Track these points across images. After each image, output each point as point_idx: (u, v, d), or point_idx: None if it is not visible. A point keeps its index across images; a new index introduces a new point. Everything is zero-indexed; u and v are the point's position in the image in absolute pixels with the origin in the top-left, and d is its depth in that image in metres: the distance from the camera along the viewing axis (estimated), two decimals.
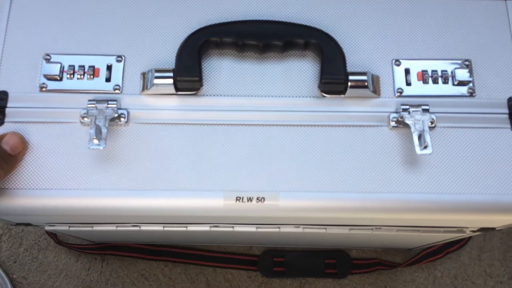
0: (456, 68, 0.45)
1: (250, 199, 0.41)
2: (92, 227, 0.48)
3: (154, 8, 0.46)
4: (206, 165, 0.42)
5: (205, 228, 0.49)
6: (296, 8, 0.46)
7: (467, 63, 0.45)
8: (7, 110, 0.43)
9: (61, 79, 0.44)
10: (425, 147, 0.41)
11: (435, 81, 0.44)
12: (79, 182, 0.41)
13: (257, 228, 0.49)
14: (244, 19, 0.46)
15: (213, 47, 0.44)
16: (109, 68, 0.44)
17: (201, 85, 0.43)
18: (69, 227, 0.49)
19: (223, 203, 0.41)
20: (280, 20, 0.45)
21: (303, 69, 0.45)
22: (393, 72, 0.45)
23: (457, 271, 0.76)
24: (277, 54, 0.45)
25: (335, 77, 0.43)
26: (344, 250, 0.76)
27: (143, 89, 0.44)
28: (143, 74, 0.44)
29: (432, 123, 0.43)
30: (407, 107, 0.43)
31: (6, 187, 0.41)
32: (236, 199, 0.41)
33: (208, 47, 0.44)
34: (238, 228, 0.49)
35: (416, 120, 0.42)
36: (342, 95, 0.44)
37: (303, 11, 0.46)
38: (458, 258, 0.77)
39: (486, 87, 0.45)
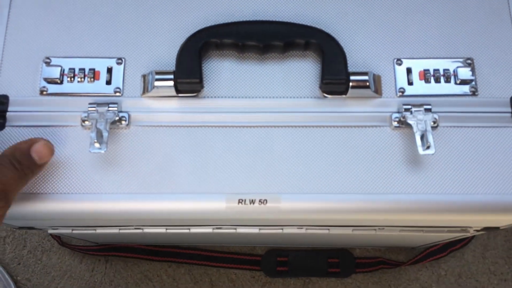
0: (458, 67, 0.44)
1: (252, 202, 0.41)
2: (95, 230, 0.48)
3: (154, 10, 0.46)
4: (207, 168, 0.42)
5: (208, 230, 0.49)
6: (296, 8, 0.46)
7: (469, 61, 0.45)
8: (8, 114, 0.43)
9: (61, 82, 0.44)
10: (428, 147, 0.40)
11: (437, 80, 0.44)
12: (80, 186, 0.41)
13: (259, 229, 0.49)
14: (244, 19, 0.45)
15: (213, 48, 0.44)
16: (109, 70, 0.44)
17: (202, 87, 0.43)
18: (72, 230, 0.49)
19: (225, 205, 0.41)
20: (280, 20, 0.45)
21: (304, 70, 0.45)
22: (394, 72, 0.45)
23: (461, 269, 0.76)
24: (277, 55, 0.45)
25: (336, 77, 0.43)
26: (347, 249, 0.76)
27: (143, 92, 0.44)
28: (144, 76, 0.44)
29: (434, 122, 0.43)
30: (409, 107, 0.43)
31: None
32: (239, 202, 0.41)
33: (208, 49, 0.44)
34: (240, 230, 0.49)
35: (419, 120, 0.42)
36: (344, 96, 0.44)
37: (304, 10, 0.46)
38: (462, 256, 0.77)
39: (489, 86, 0.44)
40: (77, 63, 0.44)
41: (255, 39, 0.43)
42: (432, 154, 0.41)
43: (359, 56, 0.45)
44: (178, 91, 0.43)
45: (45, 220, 0.44)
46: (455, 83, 0.44)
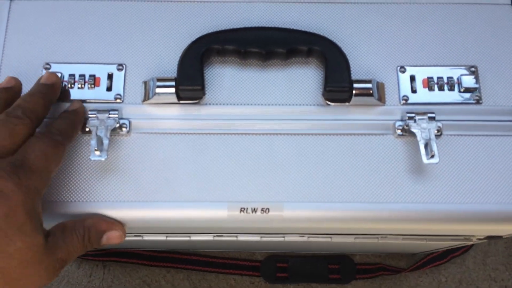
0: (462, 75, 0.44)
1: (254, 210, 0.41)
2: None
3: (155, 16, 0.45)
4: (209, 176, 0.41)
5: (209, 237, 0.49)
6: (298, 14, 0.46)
7: (473, 69, 0.44)
8: None
9: None
10: (432, 156, 0.40)
11: (441, 88, 0.44)
12: (80, 194, 0.41)
13: (261, 237, 0.49)
14: (246, 25, 0.45)
15: (215, 54, 0.44)
16: (110, 77, 0.43)
17: (204, 94, 0.43)
18: None
19: (227, 214, 0.41)
20: (282, 26, 0.44)
21: (306, 77, 0.44)
22: (398, 79, 0.44)
23: (461, 276, 0.76)
24: (280, 62, 0.44)
25: (339, 85, 0.42)
26: (347, 255, 0.76)
27: (144, 98, 0.43)
28: (145, 83, 0.43)
29: (438, 131, 0.42)
30: (413, 115, 0.42)
31: None
32: (240, 210, 0.40)
33: (210, 55, 0.44)
34: (242, 238, 0.48)
35: (422, 129, 0.41)
36: (347, 103, 0.43)
37: (306, 17, 0.46)
38: (463, 263, 0.76)
39: (493, 94, 0.44)
40: (77, 69, 0.43)
41: (257, 46, 0.43)
42: (436, 163, 0.40)
43: (362, 63, 0.45)
44: (179, 98, 0.43)
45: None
46: (459, 91, 0.44)
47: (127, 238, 0.48)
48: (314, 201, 0.41)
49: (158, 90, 0.42)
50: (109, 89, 0.43)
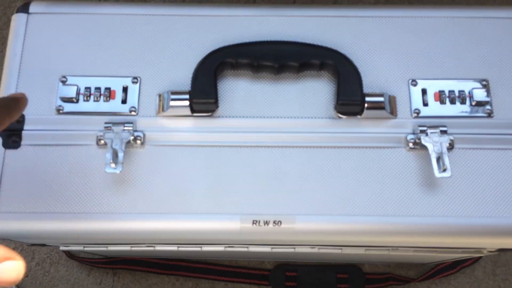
0: (473, 88, 0.44)
1: (266, 223, 0.41)
2: (107, 247, 0.48)
3: (170, 30, 0.46)
4: (222, 188, 0.42)
5: (220, 248, 0.49)
6: (311, 29, 0.46)
7: (484, 83, 0.44)
8: (23, 133, 0.43)
9: (77, 101, 0.44)
10: (444, 170, 0.40)
11: (452, 102, 0.44)
12: (95, 206, 0.41)
13: (272, 248, 0.49)
14: (259, 39, 0.45)
15: (228, 68, 0.44)
16: (125, 89, 0.44)
17: (217, 106, 0.43)
18: (84, 247, 0.49)
19: (239, 226, 0.41)
20: (295, 40, 0.45)
21: (318, 90, 0.45)
22: (409, 93, 0.44)
23: (471, 286, 0.75)
24: (292, 75, 0.45)
25: (351, 98, 0.43)
26: (356, 265, 0.76)
27: (159, 111, 0.44)
28: (159, 95, 0.44)
29: (450, 144, 0.43)
30: (425, 128, 0.43)
31: (22, 210, 0.41)
32: (253, 223, 0.41)
33: (224, 68, 0.44)
34: (253, 249, 0.49)
35: (434, 142, 0.42)
36: (359, 116, 0.44)
37: (318, 31, 0.46)
38: (472, 273, 0.76)
39: (504, 108, 0.44)
40: (93, 82, 0.44)
41: (270, 59, 0.43)
42: (449, 177, 0.41)
43: (373, 77, 0.45)
44: (193, 110, 0.43)
45: (59, 238, 0.44)
46: (471, 105, 0.44)
47: (138, 248, 0.48)
48: (326, 214, 0.41)
49: (172, 103, 0.43)
50: (124, 101, 0.44)
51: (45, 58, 0.45)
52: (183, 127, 0.43)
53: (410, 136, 0.43)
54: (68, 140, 0.43)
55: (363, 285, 0.74)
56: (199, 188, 0.42)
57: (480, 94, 0.44)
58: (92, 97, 0.44)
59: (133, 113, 0.44)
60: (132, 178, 0.42)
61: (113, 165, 0.40)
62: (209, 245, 0.48)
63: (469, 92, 0.44)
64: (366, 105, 0.43)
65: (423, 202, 0.42)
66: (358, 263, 0.76)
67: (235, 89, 0.45)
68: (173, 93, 0.43)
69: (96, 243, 0.48)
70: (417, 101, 0.44)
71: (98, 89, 0.44)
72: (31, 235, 0.42)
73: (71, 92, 0.44)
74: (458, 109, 0.44)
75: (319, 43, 0.45)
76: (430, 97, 0.44)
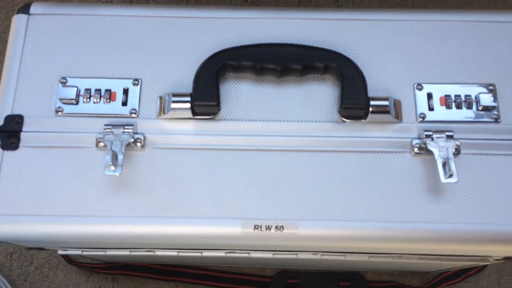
0: (480, 93, 0.43)
1: (268, 228, 0.40)
2: (105, 251, 0.48)
3: (171, 31, 0.45)
4: (223, 192, 0.41)
5: (221, 254, 0.48)
6: (314, 31, 0.46)
7: (491, 87, 0.44)
8: (22, 134, 0.42)
9: (77, 103, 0.43)
10: (450, 175, 0.39)
11: (458, 106, 0.43)
12: (94, 209, 0.40)
13: (273, 254, 0.48)
14: (262, 42, 0.45)
15: (230, 70, 0.44)
16: (125, 91, 0.44)
17: (219, 109, 0.43)
18: (82, 251, 0.48)
19: (241, 231, 0.40)
20: (298, 43, 0.44)
21: (322, 93, 0.44)
22: (415, 97, 0.44)
23: None
24: (295, 78, 0.44)
25: (356, 102, 0.42)
26: (359, 272, 0.75)
27: (159, 113, 0.43)
28: (160, 98, 0.43)
29: (456, 149, 0.42)
30: (431, 133, 0.42)
31: (19, 213, 0.40)
32: (254, 228, 0.40)
33: (226, 71, 0.44)
34: (254, 255, 0.48)
35: (440, 147, 0.41)
36: (363, 120, 0.43)
37: (322, 34, 0.45)
38: (477, 282, 0.75)
39: None
40: (93, 84, 0.44)
41: (273, 62, 0.42)
42: (455, 183, 0.40)
43: (378, 80, 0.44)
44: (194, 113, 0.42)
45: (57, 242, 0.43)
46: (477, 110, 0.43)
47: (137, 253, 0.47)
48: (330, 220, 0.40)
49: (173, 105, 0.42)
50: (124, 103, 0.43)
51: (45, 59, 0.44)
52: (184, 129, 0.43)
53: (415, 141, 0.42)
54: (67, 142, 0.42)
55: None
56: (200, 192, 0.41)
57: (486, 99, 0.43)
58: (92, 98, 0.43)
59: (133, 115, 0.43)
60: (132, 181, 0.41)
61: (112, 167, 0.39)
62: (210, 250, 0.47)
63: (475, 97, 0.43)
64: (370, 109, 0.42)
65: (428, 208, 0.41)
66: (361, 270, 0.75)
67: (237, 92, 0.44)
68: (174, 95, 0.42)
69: (95, 247, 0.47)
70: (422, 106, 0.43)
71: (98, 90, 0.43)
72: (29, 238, 0.41)
73: (71, 93, 0.43)
74: (465, 114, 0.43)
75: (323, 46, 0.44)
76: (436, 102, 0.43)
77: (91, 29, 0.45)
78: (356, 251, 0.45)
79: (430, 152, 0.42)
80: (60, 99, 0.43)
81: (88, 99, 0.43)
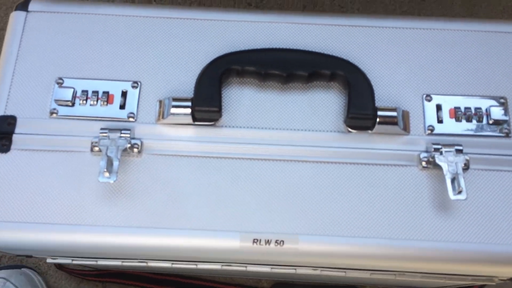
0: (491, 106, 0.42)
1: (268, 242, 0.38)
2: (96, 261, 0.46)
3: (173, 33, 0.44)
4: (222, 203, 0.39)
5: (216, 266, 0.46)
6: (321, 37, 0.44)
7: (502, 100, 0.42)
8: (14, 136, 0.40)
9: (73, 105, 0.41)
10: (459, 192, 0.38)
11: (468, 119, 0.42)
12: (86, 217, 0.38)
13: (271, 268, 0.46)
14: (267, 46, 0.44)
15: (234, 75, 0.42)
16: (124, 94, 0.42)
17: (220, 116, 0.41)
18: (72, 260, 0.46)
19: (239, 244, 0.38)
20: (304, 49, 0.43)
21: (328, 102, 0.42)
22: (423, 108, 0.42)
23: None
24: (301, 85, 0.43)
25: (363, 112, 0.40)
26: (357, 287, 0.73)
27: (158, 118, 0.41)
28: (160, 102, 0.42)
29: (465, 164, 0.40)
30: (439, 146, 0.40)
31: (7, 219, 0.38)
32: (253, 241, 0.38)
33: (229, 76, 0.42)
34: (251, 268, 0.46)
35: (449, 162, 0.39)
36: (369, 131, 0.41)
37: (329, 40, 0.44)
38: None
39: None
40: (90, 85, 0.42)
41: (278, 68, 0.41)
42: (464, 200, 0.38)
43: (385, 90, 0.43)
44: (195, 119, 0.41)
45: (46, 251, 0.41)
46: (488, 123, 0.42)
47: (129, 263, 0.46)
48: (332, 235, 0.39)
49: (173, 110, 0.40)
50: (122, 107, 0.42)
51: (42, 58, 0.43)
52: (183, 136, 0.41)
53: (423, 154, 0.41)
54: (61, 145, 0.40)
55: None
56: (197, 202, 0.39)
57: (497, 112, 0.42)
58: (88, 101, 0.41)
59: (131, 119, 0.41)
60: (127, 189, 0.39)
61: (107, 174, 0.37)
62: (205, 263, 0.46)
63: (486, 110, 0.42)
64: (378, 119, 0.40)
65: (434, 226, 0.39)
66: (360, 285, 0.73)
67: (240, 98, 0.42)
68: (175, 99, 0.41)
69: (86, 256, 0.45)
70: (431, 117, 0.42)
71: (95, 92, 0.42)
72: (17, 246, 0.39)
73: (67, 95, 0.41)
74: (474, 127, 0.42)
75: (330, 53, 0.42)
76: (445, 114, 0.42)
77: (91, 28, 0.44)
78: (358, 268, 0.44)
79: (438, 166, 0.40)
80: (56, 100, 0.41)
81: (84, 101, 0.41)
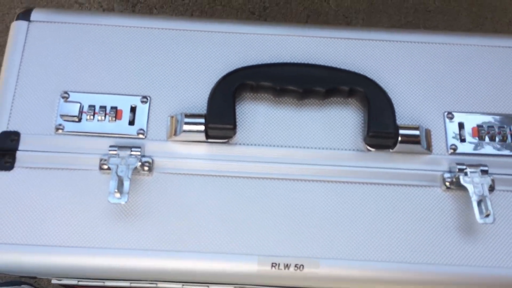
0: None
1: (287, 266, 0.36)
2: (103, 282, 0.43)
3: (184, 46, 0.42)
4: (238, 224, 0.37)
5: None
6: (338, 51, 0.43)
7: None
8: (18, 153, 0.38)
9: (79, 120, 0.39)
10: (487, 215, 0.36)
11: (492, 138, 0.40)
12: (95, 239, 0.36)
13: None
14: (281, 61, 0.42)
15: (248, 90, 0.40)
16: (133, 109, 0.40)
17: (235, 133, 0.39)
18: (78, 281, 0.44)
19: (257, 268, 0.36)
20: (321, 63, 0.41)
21: (346, 119, 0.41)
22: (445, 126, 0.41)
23: None
24: (317, 101, 0.41)
25: (384, 130, 0.39)
26: None
27: (170, 135, 0.39)
28: (172, 117, 0.40)
29: (490, 186, 0.39)
30: (464, 167, 0.39)
31: (11, 241, 0.36)
32: (272, 266, 0.36)
33: (243, 91, 0.40)
34: None
35: (475, 183, 0.38)
36: (390, 150, 0.40)
37: (346, 55, 0.42)
38: None
39: None
40: (98, 100, 0.40)
41: (294, 83, 0.39)
42: (491, 223, 0.37)
43: (405, 107, 0.41)
44: (208, 136, 0.39)
45: (52, 274, 0.39)
46: None
47: (138, 285, 0.44)
48: (353, 259, 0.37)
49: (186, 127, 0.38)
50: (131, 123, 0.40)
51: (46, 70, 0.41)
52: (196, 153, 0.39)
53: (446, 175, 0.39)
54: (68, 163, 0.38)
55: None
56: (212, 224, 0.37)
57: None
58: (96, 116, 0.39)
59: (141, 136, 0.39)
60: (137, 210, 0.37)
61: (117, 194, 0.35)
62: (218, 284, 0.44)
63: (510, 129, 0.40)
64: (399, 138, 0.39)
65: (460, 249, 0.38)
66: None
67: (254, 114, 0.41)
68: (187, 116, 0.39)
69: (93, 278, 0.43)
70: (453, 136, 0.40)
71: (103, 107, 0.40)
72: (21, 270, 0.37)
73: (73, 110, 0.39)
74: (498, 146, 0.40)
75: (348, 68, 0.41)
76: (467, 132, 0.40)
77: (97, 40, 0.42)
78: None
79: (462, 187, 0.38)
80: (61, 116, 0.39)
81: (91, 117, 0.39)
